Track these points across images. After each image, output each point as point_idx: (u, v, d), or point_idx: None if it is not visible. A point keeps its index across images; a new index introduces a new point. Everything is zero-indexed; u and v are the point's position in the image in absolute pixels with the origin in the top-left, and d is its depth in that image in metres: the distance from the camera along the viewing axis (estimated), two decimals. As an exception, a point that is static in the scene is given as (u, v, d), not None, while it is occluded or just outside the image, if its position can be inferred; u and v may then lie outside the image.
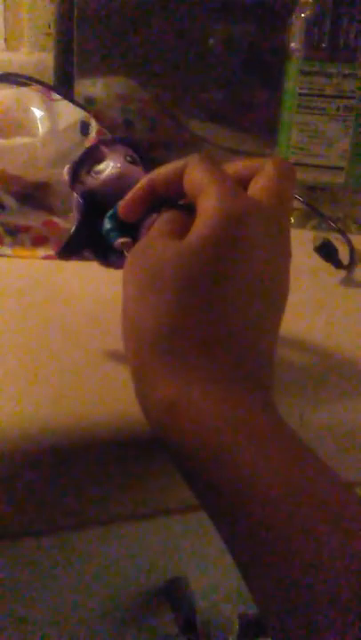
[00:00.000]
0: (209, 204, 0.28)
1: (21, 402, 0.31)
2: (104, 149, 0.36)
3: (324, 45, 0.56)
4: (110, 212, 0.34)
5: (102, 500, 0.33)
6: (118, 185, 0.34)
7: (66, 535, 0.36)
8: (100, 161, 0.36)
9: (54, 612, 0.39)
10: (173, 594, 0.38)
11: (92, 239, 0.35)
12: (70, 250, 0.36)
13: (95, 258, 0.36)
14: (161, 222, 0.31)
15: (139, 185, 0.32)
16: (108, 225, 0.34)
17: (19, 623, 0.38)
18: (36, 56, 0.85)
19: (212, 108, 0.70)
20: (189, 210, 0.31)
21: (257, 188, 0.30)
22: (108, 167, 0.35)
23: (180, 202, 0.32)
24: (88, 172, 0.36)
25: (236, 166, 0.31)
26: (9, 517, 0.32)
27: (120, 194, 0.34)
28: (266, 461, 0.23)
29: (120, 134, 0.65)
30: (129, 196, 0.33)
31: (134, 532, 0.37)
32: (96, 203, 0.35)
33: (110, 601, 0.39)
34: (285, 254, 0.30)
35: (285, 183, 0.30)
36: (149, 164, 0.67)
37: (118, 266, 0.34)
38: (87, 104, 0.68)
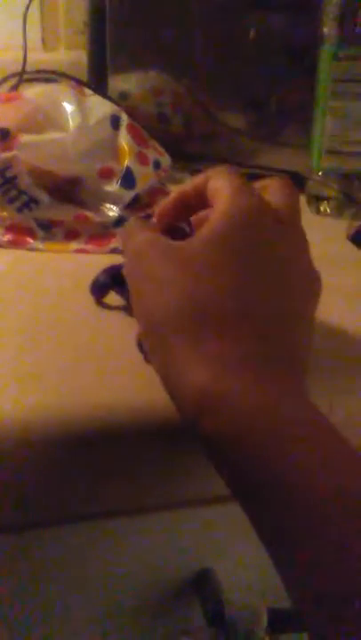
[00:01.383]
0: (222, 202, 0.29)
1: (62, 389, 0.32)
2: None
3: (357, 30, 0.55)
4: None
5: (130, 490, 0.33)
6: None
7: (94, 525, 0.36)
8: None
9: (84, 602, 0.39)
10: (201, 586, 0.37)
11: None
12: (97, 289, 0.40)
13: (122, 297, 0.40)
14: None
15: (171, 195, 0.34)
16: None
17: (46, 612, 0.39)
18: (72, 55, 0.86)
19: (246, 100, 0.69)
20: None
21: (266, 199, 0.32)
22: None
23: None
24: None
25: None
26: (37, 505, 0.32)
27: None
28: (307, 448, 0.24)
29: (154, 128, 0.65)
30: (161, 204, 0.35)
31: (163, 523, 0.37)
32: None
33: (139, 592, 0.39)
34: (301, 249, 0.31)
35: (291, 195, 0.32)
36: (185, 158, 0.67)
37: None
38: (121, 99, 0.69)
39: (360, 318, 0.40)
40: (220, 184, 0.31)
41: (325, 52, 0.57)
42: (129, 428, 0.31)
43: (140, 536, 0.38)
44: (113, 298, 0.40)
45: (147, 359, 0.33)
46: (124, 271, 0.32)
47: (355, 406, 0.33)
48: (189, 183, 0.34)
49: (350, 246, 0.49)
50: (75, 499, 0.32)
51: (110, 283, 0.39)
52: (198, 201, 0.33)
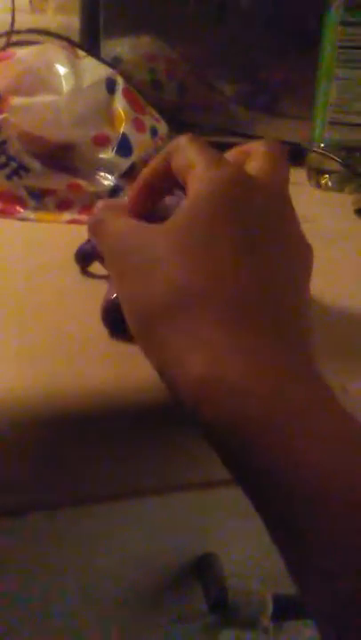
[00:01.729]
0: (197, 177, 0.27)
1: (50, 366, 0.29)
2: None
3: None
4: None
5: (125, 472, 0.31)
6: None
7: (86, 510, 0.34)
8: None
9: (85, 588, 0.38)
10: (204, 571, 0.36)
11: None
12: (80, 257, 0.38)
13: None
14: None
15: (134, 186, 0.32)
16: None
17: (46, 599, 0.37)
18: (61, 18, 0.82)
19: (243, 68, 0.67)
20: None
21: (250, 167, 0.29)
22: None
23: None
24: None
25: (229, 155, 0.31)
26: (34, 490, 0.30)
27: None
28: (308, 433, 0.22)
29: (148, 95, 0.62)
30: (129, 198, 0.32)
31: (162, 507, 0.36)
32: None
33: (141, 577, 0.38)
34: (290, 219, 0.29)
35: (276, 159, 0.29)
36: (180, 127, 0.64)
37: None
38: (114, 64, 0.66)
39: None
40: (189, 157, 0.28)
41: (331, 17, 0.55)
42: (124, 406, 0.29)
43: (137, 521, 0.36)
44: (98, 267, 0.38)
45: (112, 335, 0.32)
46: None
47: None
48: (147, 169, 0.31)
49: (356, 220, 0.47)
50: (66, 482, 0.31)
51: (94, 252, 0.37)
52: (167, 183, 0.30)
